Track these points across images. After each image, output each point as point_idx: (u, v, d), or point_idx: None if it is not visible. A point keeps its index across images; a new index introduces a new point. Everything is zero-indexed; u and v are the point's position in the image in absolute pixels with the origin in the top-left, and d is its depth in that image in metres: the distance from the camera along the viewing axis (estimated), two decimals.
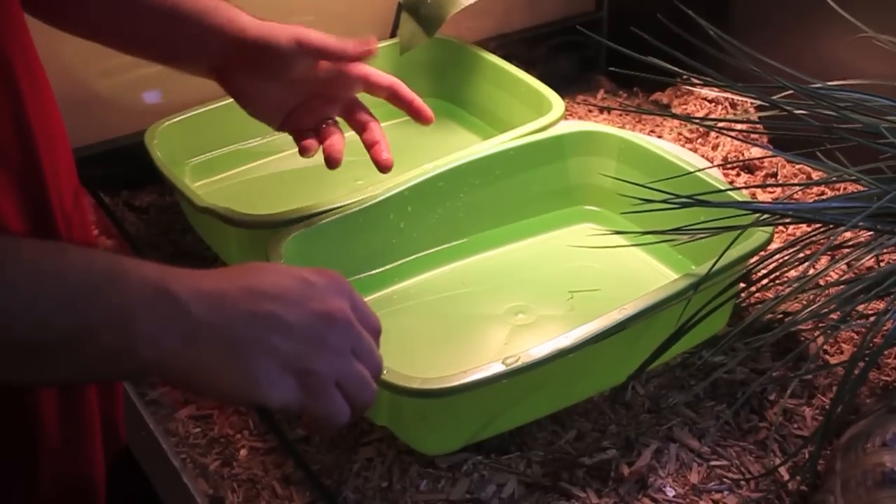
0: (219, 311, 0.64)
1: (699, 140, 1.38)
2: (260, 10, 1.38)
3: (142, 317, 0.61)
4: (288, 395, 0.66)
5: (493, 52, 1.40)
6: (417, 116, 1.01)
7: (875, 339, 0.91)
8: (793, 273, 0.94)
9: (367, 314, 0.73)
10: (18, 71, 0.66)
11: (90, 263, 0.61)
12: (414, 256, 1.14)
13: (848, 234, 0.94)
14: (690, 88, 1.43)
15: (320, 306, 0.68)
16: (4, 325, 0.57)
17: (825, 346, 1.05)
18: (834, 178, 1.03)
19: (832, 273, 1.01)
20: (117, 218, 1.25)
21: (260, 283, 0.67)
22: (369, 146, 1.00)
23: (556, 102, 1.24)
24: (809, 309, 0.87)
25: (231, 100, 1.00)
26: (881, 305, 0.95)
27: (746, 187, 1.27)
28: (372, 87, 1.00)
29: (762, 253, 0.97)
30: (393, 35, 1.45)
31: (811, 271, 0.89)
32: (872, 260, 1.04)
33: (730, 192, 1.06)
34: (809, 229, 0.92)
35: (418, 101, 1.00)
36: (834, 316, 0.89)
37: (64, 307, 0.59)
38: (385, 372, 0.85)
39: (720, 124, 1.26)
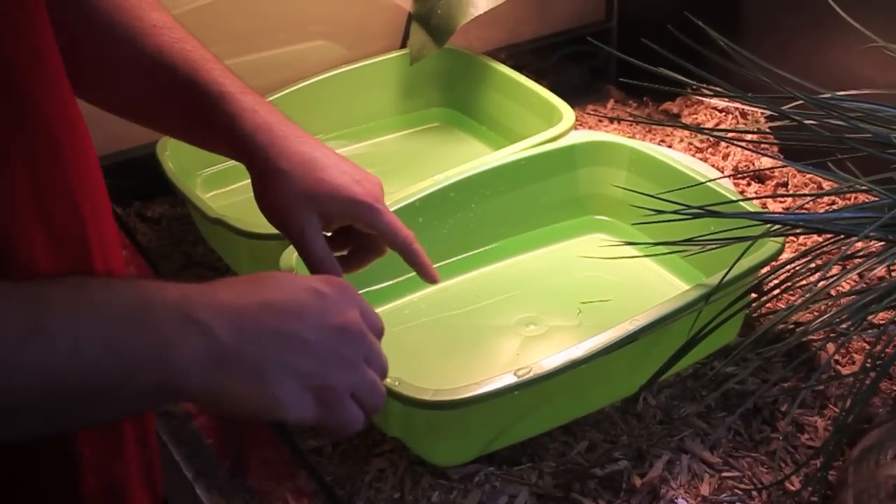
0: (243, 334, 0.64)
1: (709, 150, 1.38)
2: (274, 21, 1.40)
3: (177, 349, 0.61)
4: (306, 412, 0.67)
5: (504, 62, 1.41)
6: (425, 276, 0.98)
7: (887, 350, 0.91)
8: (804, 283, 0.94)
9: (372, 317, 0.73)
10: (64, 142, 0.66)
11: (115, 297, 0.61)
12: None
13: (859, 245, 0.94)
14: (700, 98, 1.43)
15: (335, 320, 0.69)
16: (53, 379, 0.57)
17: (837, 357, 1.05)
18: (845, 189, 1.03)
19: (844, 283, 1.01)
20: (129, 229, 1.26)
21: (278, 299, 0.67)
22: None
23: (567, 112, 1.25)
24: (821, 319, 0.87)
25: None
26: (893, 315, 0.95)
27: (757, 197, 1.27)
28: (389, 241, 0.95)
29: (773, 263, 0.97)
30: (403, 45, 1.45)
31: (822, 282, 0.89)
32: (884, 270, 1.04)
33: (741, 203, 1.06)
34: (821, 239, 0.91)
35: (428, 261, 0.98)
36: (845, 326, 0.89)
37: (106, 351, 0.59)
38: (397, 383, 0.86)
39: (730, 134, 1.26)
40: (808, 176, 1.30)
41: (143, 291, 0.62)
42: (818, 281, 0.89)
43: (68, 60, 0.68)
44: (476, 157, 1.19)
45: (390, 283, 1.12)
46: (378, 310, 1.08)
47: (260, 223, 1.07)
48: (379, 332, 0.74)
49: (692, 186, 1.05)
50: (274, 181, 0.88)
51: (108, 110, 0.91)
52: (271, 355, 0.65)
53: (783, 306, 0.99)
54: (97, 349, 0.58)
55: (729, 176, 1.30)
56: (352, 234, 0.95)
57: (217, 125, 0.88)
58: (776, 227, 0.92)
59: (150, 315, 0.61)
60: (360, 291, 1.08)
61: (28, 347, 0.56)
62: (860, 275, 0.94)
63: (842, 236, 0.88)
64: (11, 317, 0.56)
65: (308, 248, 0.89)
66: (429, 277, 0.96)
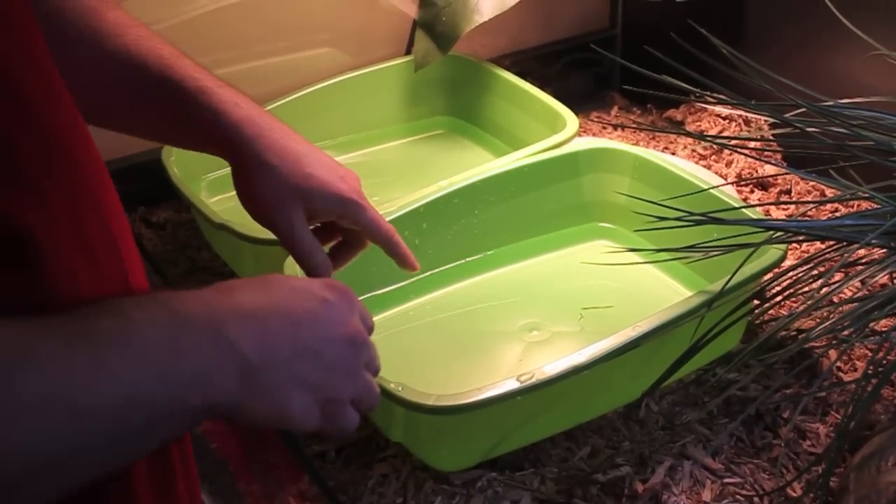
0: (265, 350, 0.64)
1: (713, 157, 1.38)
2: (279, 28, 1.40)
3: (217, 369, 0.61)
4: (311, 422, 0.67)
5: (508, 69, 1.41)
6: (406, 265, 0.99)
7: (889, 357, 0.91)
8: (806, 290, 0.94)
9: (367, 318, 0.73)
10: (94, 176, 0.64)
11: (154, 321, 0.59)
12: (429, 273, 1.15)
13: (862, 252, 0.94)
14: (704, 106, 1.43)
15: (343, 331, 0.69)
16: (118, 417, 0.56)
17: (839, 364, 1.05)
18: (847, 196, 1.03)
19: (846, 290, 1.01)
20: (135, 234, 1.26)
21: (292, 307, 0.67)
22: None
23: (571, 119, 1.25)
24: (823, 326, 0.87)
25: None
26: (895, 322, 0.95)
27: (760, 204, 1.27)
28: (371, 236, 0.96)
29: (776, 270, 0.98)
30: (408, 52, 1.46)
31: (825, 289, 0.89)
32: (886, 277, 1.04)
33: (743, 210, 1.06)
34: (823, 246, 0.92)
35: (408, 251, 0.98)
36: (847, 333, 0.89)
37: (161, 380, 0.58)
38: (400, 388, 0.86)
39: (734, 142, 1.27)
40: (812, 183, 1.31)
41: (174, 310, 0.61)
42: (820, 288, 0.89)
43: None
44: (480, 164, 1.20)
45: (394, 287, 1.12)
46: (381, 314, 1.09)
47: (264, 228, 1.08)
48: (371, 330, 0.74)
49: (695, 193, 1.06)
50: (261, 175, 0.87)
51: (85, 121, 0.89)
52: (289, 371, 0.65)
53: (785, 313, 0.99)
54: (154, 380, 0.57)
55: (732, 183, 1.30)
56: (330, 230, 0.95)
57: (198, 120, 0.86)
58: (779, 234, 0.93)
59: (188, 337, 0.60)
60: (365, 296, 1.09)
61: (95, 388, 0.54)
62: (862, 282, 0.94)
63: (844, 243, 0.88)
64: (76, 361, 0.54)
65: (298, 242, 0.89)
66: (409, 266, 0.97)
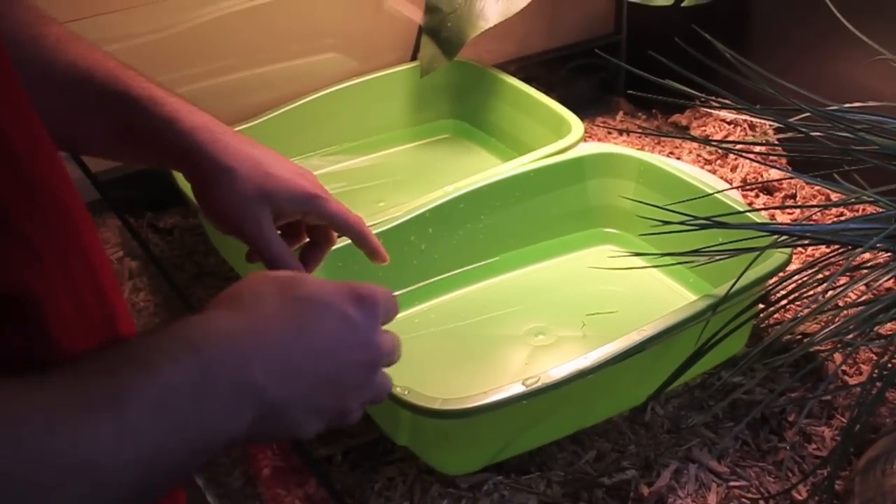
0: (285, 383, 0.64)
1: (718, 162, 1.38)
2: (286, 34, 1.40)
3: (236, 415, 0.61)
4: (320, 429, 0.68)
5: (513, 74, 1.41)
6: (375, 257, 0.98)
7: (894, 360, 0.91)
8: (811, 294, 0.94)
9: (390, 309, 0.73)
10: (79, 220, 0.63)
11: (179, 370, 0.58)
12: (435, 278, 1.15)
13: (866, 255, 0.95)
14: (709, 111, 1.43)
15: (363, 356, 0.69)
16: (143, 473, 0.56)
17: (844, 367, 1.05)
18: (852, 200, 1.04)
19: (851, 294, 1.02)
20: (142, 239, 1.26)
21: (314, 334, 0.67)
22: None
23: (576, 124, 1.25)
24: (828, 329, 0.87)
25: (251, 123, 1.00)
26: None
27: (765, 209, 1.27)
28: (340, 228, 0.95)
29: (781, 274, 0.98)
30: (414, 58, 1.46)
31: (830, 292, 0.89)
32: (891, 281, 1.04)
33: (748, 214, 1.06)
34: (828, 250, 0.92)
35: (378, 242, 0.98)
36: (852, 336, 0.89)
37: (184, 434, 0.58)
38: (406, 392, 0.86)
39: (739, 146, 1.27)
40: (816, 187, 1.31)
41: (201, 353, 0.60)
42: (825, 291, 0.90)
43: None
44: (486, 169, 1.20)
45: (400, 292, 1.12)
46: None
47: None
48: (393, 316, 0.73)
49: (700, 198, 1.06)
50: (222, 180, 0.86)
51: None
52: (305, 402, 0.66)
53: (790, 317, 0.99)
54: (178, 434, 0.57)
55: (737, 187, 1.30)
56: (295, 232, 0.95)
57: (150, 130, 0.84)
58: (783, 238, 0.93)
59: (212, 384, 0.60)
60: None
61: (120, 450, 0.54)
62: (867, 285, 0.94)
63: (849, 247, 0.89)
64: (99, 424, 0.54)
65: (267, 245, 0.88)
66: (379, 258, 0.97)
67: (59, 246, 0.59)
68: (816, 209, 1.23)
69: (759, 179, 1.33)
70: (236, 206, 0.87)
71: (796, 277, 0.92)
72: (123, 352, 0.59)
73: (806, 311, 0.88)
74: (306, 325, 0.67)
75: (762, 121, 1.36)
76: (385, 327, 0.73)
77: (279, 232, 0.91)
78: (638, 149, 1.38)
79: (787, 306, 0.97)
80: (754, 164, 1.34)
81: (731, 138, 1.40)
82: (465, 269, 1.18)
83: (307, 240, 0.97)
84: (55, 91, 0.83)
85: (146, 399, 0.56)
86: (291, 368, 0.64)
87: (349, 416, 0.70)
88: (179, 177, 1.20)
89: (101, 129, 0.86)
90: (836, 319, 0.91)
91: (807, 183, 1.31)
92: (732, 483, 0.94)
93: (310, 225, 0.95)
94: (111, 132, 0.86)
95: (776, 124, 1.27)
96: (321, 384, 0.66)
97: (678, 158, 1.40)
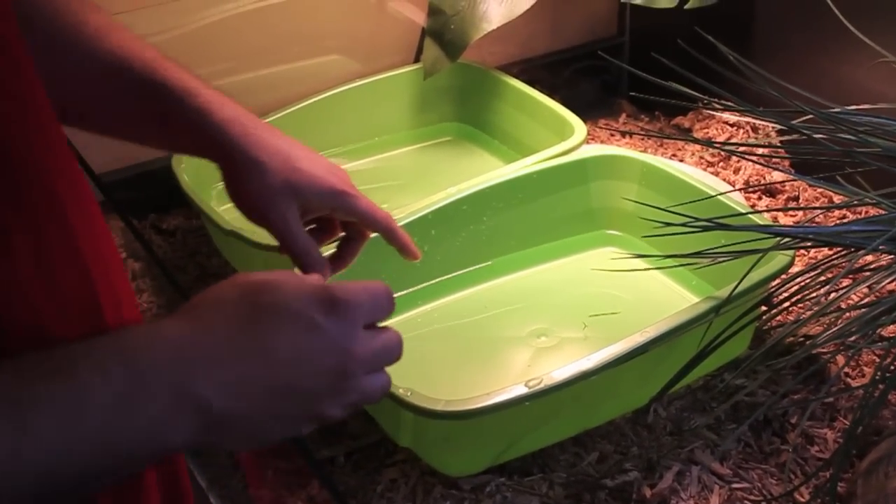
0: (236, 396, 0.62)
1: (721, 164, 1.38)
2: (289, 36, 1.41)
3: (170, 427, 0.60)
4: (298, 434, 0.67)
5: (516, 76, 1.42)
6: (407, 253, 0.99)
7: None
8: (814, 296, 0.94)
9: (376, 308, 0.70)
10: (68, 206, 0.63)
11: (105, 381, 0.58)
12: (437, 279, 1.15)
13: (869, 258, 0.95)
14: (712, 113, 1.43)
15: (331, 363, 0.66)
16: (46, 477, 0.56)
17: (846, 369, 1.05)
18: (855, 202, 1.04)
19: (853, 296, 1.01)
20: (145, 241, 1.27)
21: (272, 345, 0.64)
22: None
23: (579, 126, 1.25)
24: (830, 332, 0.87)
25: None
26: None
27: (768, 210, 1.27)
28: (368, 224, 0.96)
29: (783, 276, 0.98)
30: (417, 60, 1.46)
31: (832, 294, 0.89)
32: (894, 283, 1.05)
33: (751, 216, 1.07)
34: (831, 252, 0.92)
35: (408, 238, 0.97)
36: (855, 339, 0.89)
37: (100, 447, 0.58)
38: (409, 394, 0.86)
39: (741, 148, 1.27)
40: (819, 190, 1.31)
41: (137, 369, 0.59)
42: (828, 294, 0.90)
43: None
44: (488, 171, 1.20)
45: (403, 293, 1.13)
46: (390, 320, 1.09)
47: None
48: (388, 312, 0.71)
49: (703, 200, 1.06)
50: (251, 172, 0.87)
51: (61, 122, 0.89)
52: (263, 410, 0.64)
53: (793, 319, 0.99)
54: (89, 444, 0.57)
55: (740, 189, 1.30)
56: (330, 228, 0.95)
57: (184, 120, 0.86)
58: (786, 240, 0.93)
59: (142, 397, 0.59)
60: None
61: (18, 456, 0.54)
62: (869, 287, 0.94)
63: (851, 249, 0.89)
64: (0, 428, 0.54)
65: (292, 238, 0.88)
66: (410, 255, 0.96)
67: (34, 232, 0.59)
68: (819, 211, 1.23)
69: (762, 181, 1.33)
70: (264, 199, 0.88)
71: (799, 280, 0.92)
72: (58, 355, 0.59)
73: (808, 313, 0.88)
74: (263, 334, 0.65)
75: (765, 123, 1.36)
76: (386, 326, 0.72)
77: (313, 226, 0.93)
78: (641, 151, 1.38)
79: (790, 308, 0.97)
80: (757, 166, 1.34)
81: (733, 140, 1.40)
82: (468, 270, 1.18)
83: (342, 234, 0.97)
84: (94, 77, 0.84)
85: (55, 405, 0.56)
86: (242, 378, 0.63)
87: (335, 417, 0.67)
88: (183, 178, 1.21)
89: (137, 117, 0.88)
90: (839, 322, 0.91)
91: (809, 185, 1.31)
92: (735, 485, 0.94)
93: (344, 220, 0.95)
94: (146, 120, 0.88)
95: (779, 126, 1.28)
96: (281, 393, 0.64)
97: (681, 160, 1.40)
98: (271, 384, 0.64)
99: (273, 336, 0.65)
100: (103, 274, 0.66)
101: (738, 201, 1.12)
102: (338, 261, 0.96)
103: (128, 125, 0.90)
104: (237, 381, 0.62)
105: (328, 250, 0.96)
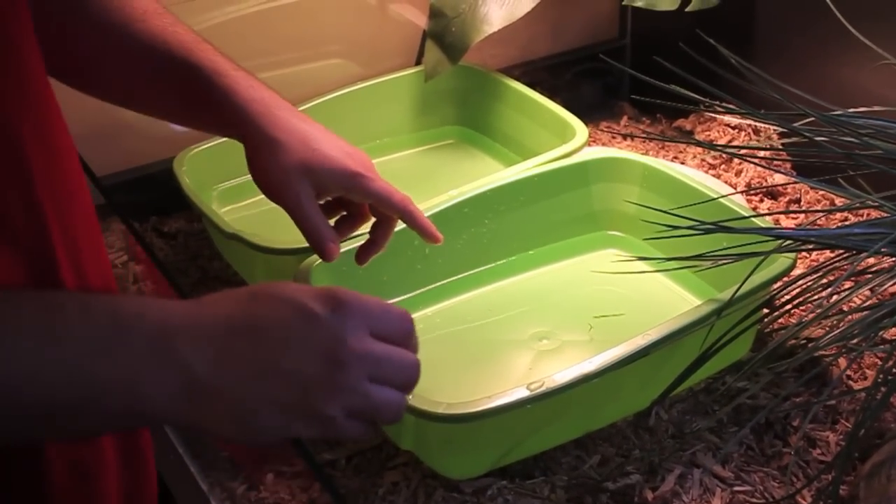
0: (221, 367, 0.63)
1: (722, 166, 1.38)
2: (290, 39, 1.41)
3: (146, 380, 0.61)
4: (291, 433, 0.66)
5: (518, 79, 1.41)
6: (427, 236, 1.00)
7: None
8: (816, 299, 0.94)
9: (388, 319, 0.69)
10: (28, 143, 0.65)
11: (91, 324, 0.60)
12: (439, 282, 1.15)
13: (871, 260, 0.94)
14: (713, 115, 1.43)
15: (323, 348, 0.65)
16: (6, 394, 0.57)
17: (849, 372, 1.05)
18: (857, 205, 1.03)
19: (855, 298, 1.01)
20: (146, 244, 1.27)
21: (263, 323, 0.65)
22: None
23: (580, 129, 1.25)
24: (833, 334, 0.87)
25: None
26: None
27: (770, 213, 1.27)
28: (385, 206, 0.98)
29: (785, 279, 0.98)
30: (418, 62, 1.46)
31: (834, 297, 0.89)
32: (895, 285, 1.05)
33: (753, 219, 1.06)
34: (832, 255, 0.92)
35: (428, 222, 1.00)
36: (857, 341, 0.89)
37: (66, 376, 0.58)
38: (410, 397, 0.86)
39: (743, 151, 1.27)
40: (821, 192, 1.31)
41: (122, 319, 0.61)
42: (830, 296, 0.89)
43: (57, 50, 0.68)
44: (490, 174, 1.20)
45: (404, 297, 1.13)
46: None
47: (276, 238, 1.09)
48: (404, 332, 0.70)
49: (705, 202, 1.06)
50: (269, 151, 0.91)
51: (97, 97, 0.93)
52: (249, 386, 0.63)
53: (795, 321, 0.99)
54: (57, 372, 0.58)
55: (741, 192, 1.30)
56: (358, 210, 0.99)
57: (212, 100, 0.91)
58: (788, 242, 0.93)
59: (122, 345, 0.60)
60: None
61: None
62: (872, 290, 0.94)
63: (853, 252, 0.88)
64: None
65: (304, 215, 0.92)
66: (431, 237, 0.99)
67: None
68: (821, 214, 1.23)
69: (764, 184, 1.33)
70: (278, 176, 0.91)
71: (801, 282, 0.92)
72: (48, 294, 0.62)
73: (810, 315, 0.88)
74: (255, 315, 0.65)
75: (766, 125, 1.36)
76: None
77: (343, 213, 0.98)
78: (642, 153, 1.37)
79: (792, 311, 0.97)
80: (759, 168, 1.34)
81: (735, 143, 1.40)
82: (469, 273, 1.18)
83: (373, 219, 1.00)
84: (133, 59, 0.91)
85: (35, 329, 0.58)
86: (227, 351, 0.63)
87: (334, 424, 0.66)
88: (184, 181, 1.20)
89: (169, 95, 0.93)
90: (841, 324, 0.91)
91: (811, 188, 1.31)
92: (737, 488, 0.94)
93: (349, 201, 0.98)
94: (177, 99, 0.93)
95: (781, 129, 1.27)
96: (267, 371, 0.64)
97: (682, 163, 1.40)
98: (257, 358, 0.64)
99: (266, 317, 0.65)
100: (60, 227, 0.67)
101: (739, 204, 1.12)
102: (371, 246, 1.00)
103: (163, 103, 0.96)
104: (221, 350, 0.63)
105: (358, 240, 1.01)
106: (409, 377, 0.70)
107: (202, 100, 0.92)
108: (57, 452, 0.71)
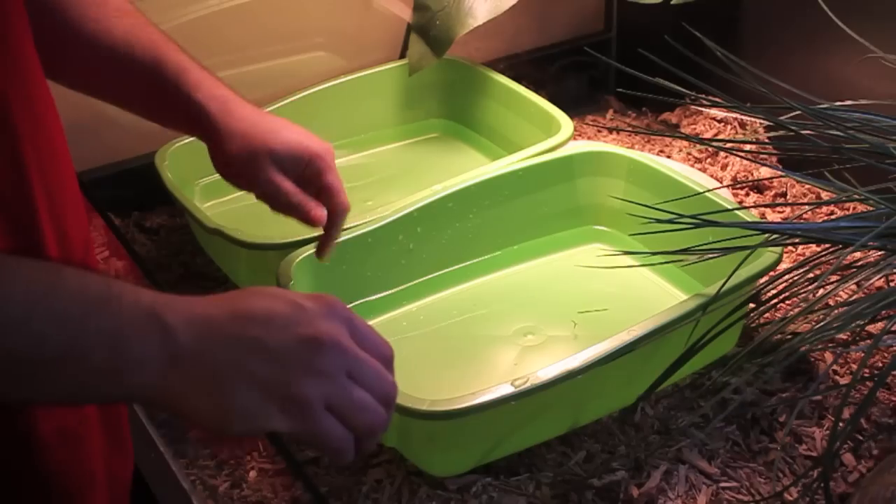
0: (204, 337, 0.64)
1: (708, 160, 1.38)
2: (273, 32, 1.40)
3: (132, 341, 0.62)
4: (269, 424, 0.66)
5: (502, 72, 1.41)
6: (320, 249, 1.01)
7: (884, 359, 0.91)
8: (802, 293, 0.94)
9: (372, 339, 0.71)
10: (14, 109, 0.67)
11: (84, 285, 0.63)
12: (423, 278, 1.14)
13: (857, 254, 0.94)
14: (699, 109, 1.43)
15: (307, 330, 0.66)
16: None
17: (835, 367, 1.05)
18: (843, 198, 1.03)
19: (841, 293, 1.01)
20: (128, 239, 1.26)
21: (248, 307, 0.67)
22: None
23: (565, 123, 1.25)
24: (819, 329, 0.87)
25: None
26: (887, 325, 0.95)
27: (755, 206, 1.27)
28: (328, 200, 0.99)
29: (771, 273, 0.97)
30: (402, 56, 1.46)
31: (820, 291, 0.89)
32: (882, 280, 1.04)
33: (738, 213, 1.06)
34: (819, 249, 0.91)
35: (333, 242, 1.01)
36: (843, 336, 0.88)
37: (56, 327, 0.60)
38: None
39: (729, 144, 1.26)
40: (807, 186, 1.30)
41: (115, 285, 0.63)
42: (816, 290, 0.89)
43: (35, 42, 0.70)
44: (475, 168, 1.20)
45: (387, 293, 1.12)
46: (375, 320, 1.09)
47: (258, 233, 1.08)
48: (383, 357, 0.71)
49: (690, 196, 1.06)
50: (230, 140, 0.94)
51: (69, 87, 0.95)
52: (229, 359, 0.64)
53: (781, 316, 0.99)
54: (46, 322, 0.60)
55: (727, 186, 1.30)
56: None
57: (176, 98, 0.94)
58: (774, 236, 0.92)
59: (112, 306, 0.62)
60: (358, 302, 1.09)
61: None
62: (858, 284, 0.94)
63: (840, 246, 0.88)
64: None
65: (280, 189, 0.95)
66: (321, 253, 1.01)
67: None
68: (807, 207, 1.23)
69: (750, 178, 1.33)
70: (243, 160, 0.95)
71: (787, 276, 0.92)
72: (45, 262, 0.66)
73: (796, 310, 0.88)
74: (245, 301, 0.68)
75: (752, 119, 1.35)
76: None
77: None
78: (628, 147, 1.37)
79: (778, 306, 0.96)
80: (745, 162, 1.33)
81: (721, 136, 1.40)
82: (454, 268, 1.17)
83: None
84: (104, 54, 0.93)
85: (29, 278, 0.61)
86: (211, 324, 0.65)
87: (310, 413, 0.66)
88: (166, 176, 1.19)
89: (136, 91, 0.96)
90: (827, 318, 0.91)
91: (797, 181, 1.30)
92: (723, 484, 0.93)
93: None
94: (144, 95, 0.96)
95: (767, 122, 1.27)
96: (246, 344, 0.65)
97: (668, 157, 1.40)
98: (237, 333, 0.65)
99: (253, 303, 0.68)
100: (45, 195, 0.70)
101: (725, 198, 1.12)
102: (326, 239, 1.00)
103: (134, 100, 0.98)
104: (206, 325, 0.65)
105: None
106: (387, 391, 0.70)
107: (167, 99, 0.94)
108: (44, 417, 0.73)
